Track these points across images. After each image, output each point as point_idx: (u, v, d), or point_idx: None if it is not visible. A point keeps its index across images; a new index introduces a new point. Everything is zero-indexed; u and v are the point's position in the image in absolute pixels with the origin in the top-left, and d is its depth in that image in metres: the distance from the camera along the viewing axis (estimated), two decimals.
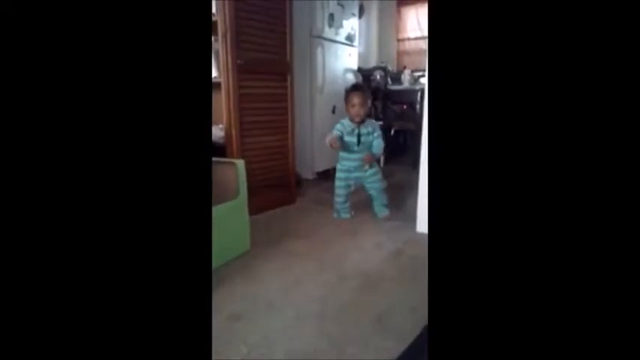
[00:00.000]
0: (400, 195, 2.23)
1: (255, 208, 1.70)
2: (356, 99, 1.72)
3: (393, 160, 3.26)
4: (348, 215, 1.90)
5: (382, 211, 1.89)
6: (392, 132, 3.25)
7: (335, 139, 1.71)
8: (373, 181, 1.86)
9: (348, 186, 1.87)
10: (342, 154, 1.84)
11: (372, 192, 1.89)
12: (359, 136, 1.77)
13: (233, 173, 1.40)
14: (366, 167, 1.81)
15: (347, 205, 1.90)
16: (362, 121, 1.77)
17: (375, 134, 1.80)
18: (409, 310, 1.07)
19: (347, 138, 1.78)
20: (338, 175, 1.87)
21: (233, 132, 1.71)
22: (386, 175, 2.03)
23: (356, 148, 1.79)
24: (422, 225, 1.68)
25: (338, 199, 1.88)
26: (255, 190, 1.65)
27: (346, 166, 1.84)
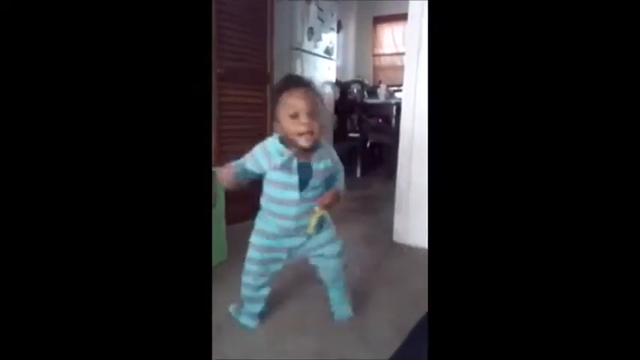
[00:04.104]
0: (377, 205, 2.26)
1: (232, 218, 1.67)
2: (300, 102, 0.83)
3: (369, 172, 3.32)
4: (252, 323, 1.02)
5: (343, 312, 1.06)
6: (368, 144, 3.32)
7: (229, 175, 0.90)
8: (328, 254, 0.99)
9: (272, 261, 0.98)
10: (267, 203, 0.94)
11: (325, 274, 1.02)
12: (307, 173, 0.88)
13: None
14: (311, 227, 0.91)
15: (261, 294, 1.00)
16: (312, 147, 0.88)
17: (338, 167, 0.97)
18: (389, 322, 1.08)
19: (276, 175, 0.89)
20: (253, 239, 0.98)
21: (211, 140, 1.68)
22: (363, 186, 2.01)
23: (296, 196, 0.89)
24: (399, 235, 1.71)
25: (246, 280, 0.99)
26: (232, 200, 1.63)
27: (272, 225, 0.94)
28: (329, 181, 0.95)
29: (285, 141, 0.88)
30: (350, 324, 1.04)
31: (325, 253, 1.00)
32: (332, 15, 3.01)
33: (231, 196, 1.50)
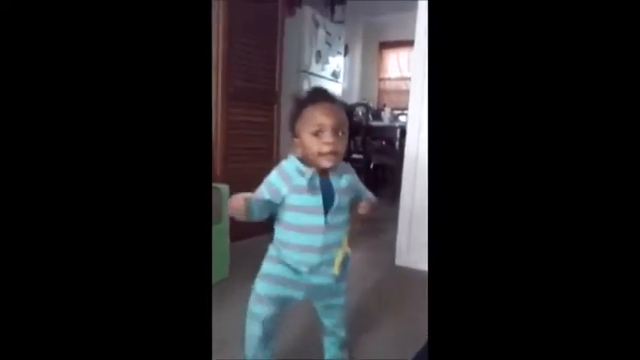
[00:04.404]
0: (380, 226, 2.26)
1: (236, 235, 1.68)
2: (325, 118, 0.73)
3: (373, 193, 3.32)
4: None
5: None
6: (371, 166, 3.34)
7: (241, 206, 0.69)
8: (338, 303, 0.89)
9: (284, 301, 0.81)
10: (284, 233, 0.79)
11: (328, 320, 0.91)
12: (329, 192, 0.77)
13: (216, 198, 1.39)
14: (337, 266, 0.79)
15: (270, 344, 0.82)
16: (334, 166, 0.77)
17: (359, 185, 0.88)
18: (390, 345, 1.06)
19: (296, 198, 0.75)
20: (259, 288, 0.81)
21: (218, 157, 1.71)
22: None
23: (321, 221, 0.75)
24: (401, 258, 1.70)
25: (251, 329, 0.81)
26: None
27: (292, 259, 0.79)
28: (355, 202, 0.82)
29: (305, 161, 0.77)
30: (348, 343, 1.03)
31: (335, 308, 0.90)
32: (339, 39, 3.11)
33: None
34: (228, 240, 1.45)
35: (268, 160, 1.99)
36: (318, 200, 0.76)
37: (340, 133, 0.74)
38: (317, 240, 0.76)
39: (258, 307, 0.80)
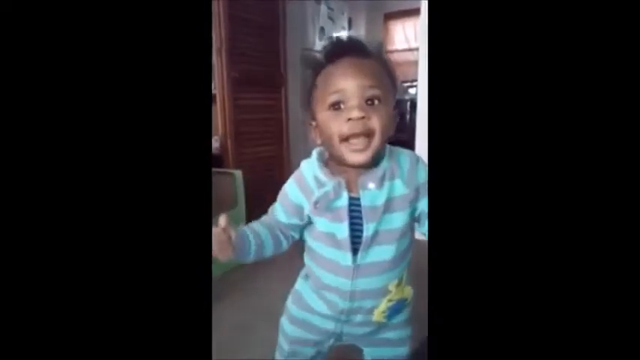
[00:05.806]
0: None
1: (252, 219, 1.70)
2: (347, 80, 0.45)
3: None
4: None
5: None
6: None
7: (225, 243, 0.49)
8: (390, 356, 0.60)
9: (318, 342, 0.61)
10: (311, 263, 0.58)
11: None
12: (358, 213, 0.49)
13: (230, 184, 1.41)
14: (379, 314, 0.53)
15: None
16: (372, 162, 0.48)
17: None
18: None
19: (318, 224, 0.53)
20: (284, 324, 0.66)
21: (229, 143, 1.72)
22: None
23: (347, 259, 0.51)
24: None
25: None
26: (251, 201, 1.66)
27: (318, 293, 0.57)
28: (406, 224, 0.53)
29: (329, 157, 0.52)
30: None
31: (387, 338, 0.59)
32: (342, 14, 3.02)
33: (252, 197, 1.52)
34: (244, 225, 1.47)
35: (279, 143, 2.00)
36: (341, 229, 0.50)
37: (376, 102, 0.46)
38: (344, 284, 0.52)
39: (285, 346, 0.64)
